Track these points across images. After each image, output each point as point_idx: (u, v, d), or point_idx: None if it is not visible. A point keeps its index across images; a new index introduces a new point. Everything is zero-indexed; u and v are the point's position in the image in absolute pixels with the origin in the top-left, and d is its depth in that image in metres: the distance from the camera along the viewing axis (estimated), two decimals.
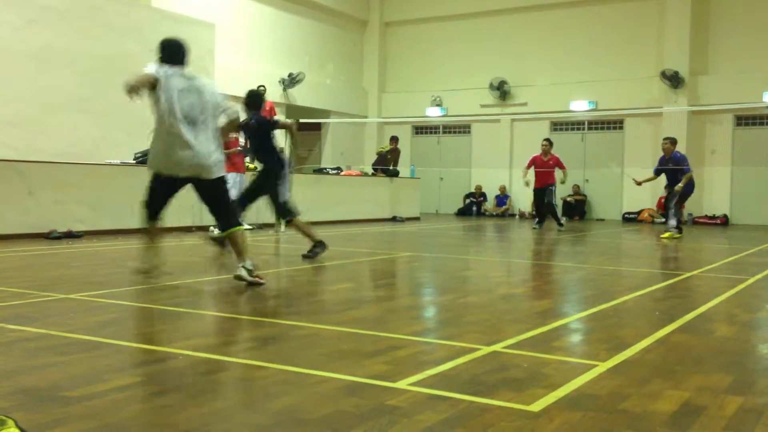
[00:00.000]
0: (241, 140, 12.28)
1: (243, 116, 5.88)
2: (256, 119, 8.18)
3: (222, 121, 5.66)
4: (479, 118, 20.20)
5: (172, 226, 11.29)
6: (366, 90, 21.92)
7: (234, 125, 5.89)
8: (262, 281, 5.61)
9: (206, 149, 5.43)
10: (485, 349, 3.62)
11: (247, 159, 13.12)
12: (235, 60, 17.00)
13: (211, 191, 5.66)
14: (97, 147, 12.48)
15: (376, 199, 16.10)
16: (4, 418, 2.30)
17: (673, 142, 12.47)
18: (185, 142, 5.35)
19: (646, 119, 18.12)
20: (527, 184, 14.21)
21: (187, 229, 11.41)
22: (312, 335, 3.99)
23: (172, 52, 5.50)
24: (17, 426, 2.26)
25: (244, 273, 5.54)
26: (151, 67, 5.31)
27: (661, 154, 12.61)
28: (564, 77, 19.17)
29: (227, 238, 5.83)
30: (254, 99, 8.26)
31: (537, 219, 14.39)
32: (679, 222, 12.40)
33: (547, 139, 14.56)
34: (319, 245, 7.84)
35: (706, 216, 17.54)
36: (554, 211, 14.35)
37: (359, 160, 20.39)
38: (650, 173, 12.93)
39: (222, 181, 5.66)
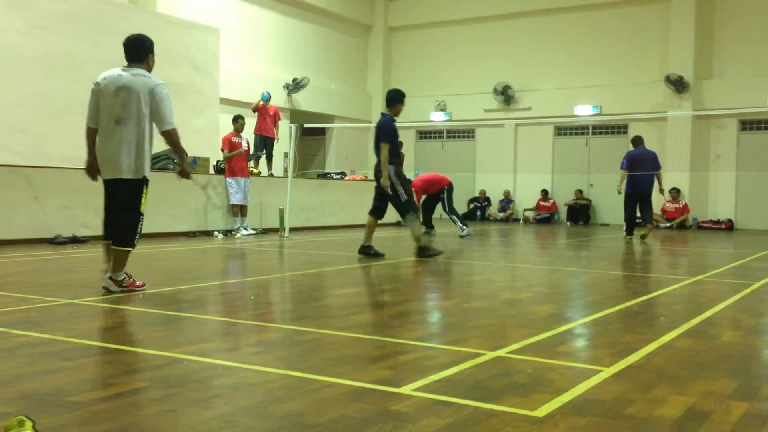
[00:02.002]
0: (244, 144, 12.31)
1: (169, 125, 5.48)
2: (384, 119, 8.69)
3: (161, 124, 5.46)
4: (483, 122, 20.19)
5: (176, 231, 11.33)
6: (370, 95, 21.94)
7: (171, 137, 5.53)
8: (139, 285, 5.59)
9: (127, 149, 5.39)
10: (489, 355, 3.61)
11: (251, 163, 13.14)
12: (240, 65, 17.05)
13: (124, 193, 5.47)
14: None
15: None
16: (23, 418, 2.33)
17: (631, 139, 12.92)
18: (113, 142, 5.39)
19: (651, 124, 18.09)
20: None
21: (191, 234, 11.43)
22: (316, 340, 4.00)
23: (125, 53, 5.59)
24: (34, 429, 2.30)
25: (110, 284, 5.47)
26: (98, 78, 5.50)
27: (662, 157, 12.90)
28: (568, 82, 19.16)
29: (113, 253, 5.52)
30: (387, 96, 8.91)
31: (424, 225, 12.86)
32: (628, 221, 12.68)
33: None
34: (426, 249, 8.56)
35: (711, 221, 17.50)
36: (454, 216, 13.10)
37: (363, 164, 20.41)
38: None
39: (138, 187, 5.49)
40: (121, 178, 5.43)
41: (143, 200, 5.55)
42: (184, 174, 5.75)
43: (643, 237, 12.46)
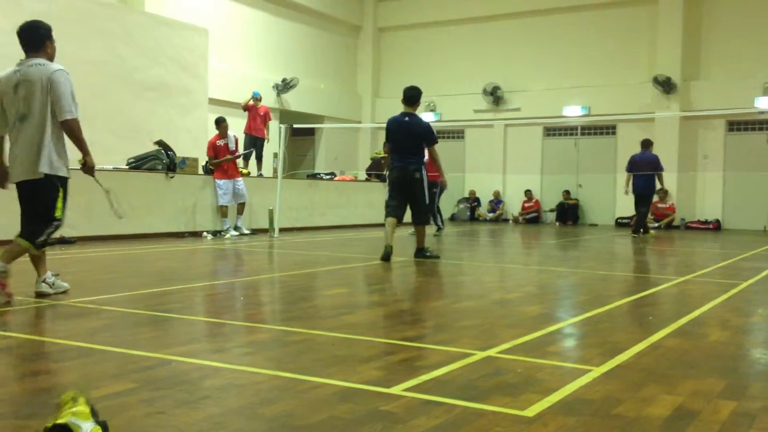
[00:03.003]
0: (231, 144, 12.24)
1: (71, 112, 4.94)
2: (419, 120, 8.65)
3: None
4: (473, 123, 20.23)
5: (164, 232, 11.28)
6: (360, 95, 21.94)
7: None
8: (65, 285, 5.30)
9: (29, 146, 4.90)
10: (479, 354, 3.62)
11: (241, 163, 13.10)
12: (229, 65, 17.00)
13: (33, 197, 4.98)
14: (90, 152, 12.43)
15: (369, 204, 16.10)
16: (76, 394, 2.37)
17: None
18: (18, 142, 4.95)
19: (639, 125, 18.17)
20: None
21: (180, 235, 11.38)
22: (306, 341, 3.99)
23: (21, 42, 5.10)
24: (88, 403, 2.34)
25: (45, 288, 5.17)
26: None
27: (662, 159, 13.67)
28: (557, 83, 19.23)
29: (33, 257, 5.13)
30: (412, 94, 8.72)
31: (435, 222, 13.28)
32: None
33: None
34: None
35: (699, 221, 17.60)
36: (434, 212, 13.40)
37: (353, 165, 20.40)
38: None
39: (48, 188, 4.97)
40: (28, 180, 4.94)
41: (58, 204, 5.00)
42: (87, 169, 5.19)
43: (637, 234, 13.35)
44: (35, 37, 5.09)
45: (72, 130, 4.98)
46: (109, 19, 13.15)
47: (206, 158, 12.49)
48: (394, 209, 8.55)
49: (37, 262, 5.20)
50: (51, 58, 5.11)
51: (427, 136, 8.59)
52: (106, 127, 12.94)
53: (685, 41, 17.72)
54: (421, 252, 8.62)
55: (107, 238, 10.34)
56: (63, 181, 5.06)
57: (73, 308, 4.86)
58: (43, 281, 5.18)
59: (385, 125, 9.10)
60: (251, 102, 14.40)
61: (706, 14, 17.78)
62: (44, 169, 4.91)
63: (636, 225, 13.38)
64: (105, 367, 3.31)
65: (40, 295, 5.14)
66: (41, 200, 4.98)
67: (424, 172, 8.55)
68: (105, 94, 13.02)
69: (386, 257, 8.18)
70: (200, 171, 12.66)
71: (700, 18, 17.82)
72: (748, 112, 16.85)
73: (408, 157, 8.50)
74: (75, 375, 3.15)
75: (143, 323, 4.54)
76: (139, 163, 11.51)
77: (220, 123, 12.19)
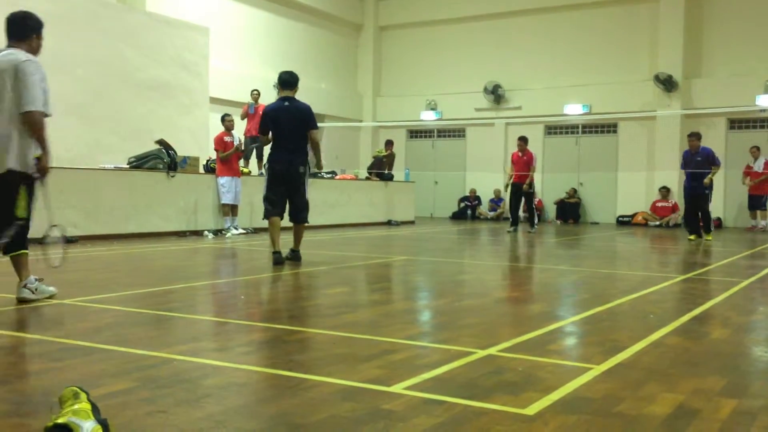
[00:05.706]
0: (236, 141, 12.23)
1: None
2: (296, 104, 7.76)
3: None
4: (474, 121, 20.23)
5: (166, 231, 11.29)
6: (361, 94, 21.93)
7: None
8: (51, 290, 5.05)
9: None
10: (480, 353, 3.62)
11: (241, 162, 13.09)
12: (230, 64, 17.00)
13: None
14: (91, 152, 12.46)
15: (370, 203, 16.10)
16: (77, 390, 2.41)
17: (698, 137, 12.63)
18: None
19: (640, 123, 18.16)
20: (507, 187, 14.72)
21: (181, 234, 11.39)
22: (306, 339, 3.99)
23: (6, 30, 4.86)
24: (89, 400, 2.38)
25: (26, 293, 4.87)
26: None
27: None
28: (558, 81, 19.21)
29: (12, 260, 4.88)
30: (294, 79, 7.83)
31: (511, 221, 14.60)
32: (684, 220, 13.02)
33: (521, 137, 14.95)
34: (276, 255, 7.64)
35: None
36: (532, 212, 14.60)
37: (354, 163, 20.39)
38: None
39: (9, 185, 4.68)
40: None
41: (20, 203, 4.72)
42: (40, 169, 4.84)
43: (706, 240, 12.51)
44: (22, 27, 4.85)
45: (32, 123, 4.65)
46: (112, 19, 13.15)
47: (210, 154, 12.46)
48: (276, 207, 7.78)
49: (17, 265, 4.86)
50: (34, 53, 4.85)
51: (309, 119, 7.71)
52: (107, 127, 12.96)
53: (686, 39, 17.70)
54: (295, 253, 7.88)
55: (109, 237, 10.34)
56: (28, 179, 4.78)
57: (74, 307, 4.86)
58: (24, 286, 4.87)
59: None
60: (249, 113, 14.32)
61: (707, 12, 17.75)
62: (11, 164, 4.65)
63: (705, 228, 12.73)
64: (106, 366, 3.31)
65: (21, 301, 4.85)
66: (2, 197, 4.68)
67: (308, 167, 7.87)
68: (106, 93, 13.02)
69: (279, 261, 7.60)
70: (201, 170, 12.66)
71: (701, 16, 17.80)
72: (749, 110, 16.84)
73: (293, 150, 7.67)
74: (76, 374, 3.15)
75: (144, 322, 4.55)
76: (140, 163, 11.51)
77: (226, 118, 12.25)
